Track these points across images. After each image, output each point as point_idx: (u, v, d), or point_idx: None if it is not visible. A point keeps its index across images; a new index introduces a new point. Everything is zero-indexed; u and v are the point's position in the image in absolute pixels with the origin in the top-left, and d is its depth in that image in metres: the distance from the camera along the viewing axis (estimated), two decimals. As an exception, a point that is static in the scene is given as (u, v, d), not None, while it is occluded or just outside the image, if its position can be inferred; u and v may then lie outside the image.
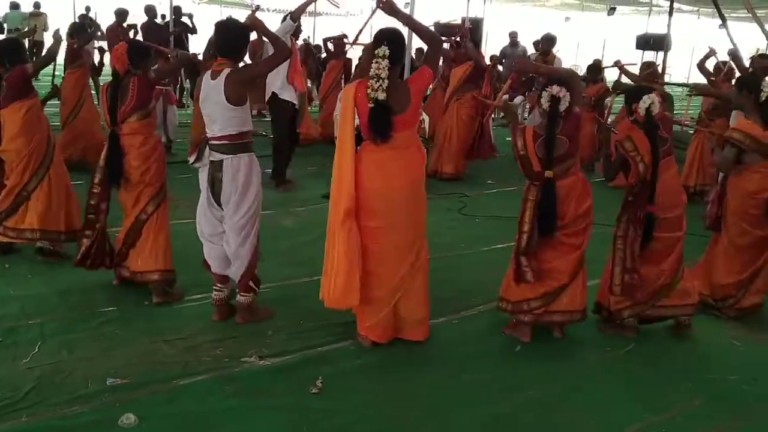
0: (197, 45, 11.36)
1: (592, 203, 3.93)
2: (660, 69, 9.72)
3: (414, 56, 10.13)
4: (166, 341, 3.82)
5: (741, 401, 3.58)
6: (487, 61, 10.05)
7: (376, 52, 3.55)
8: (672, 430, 3.27)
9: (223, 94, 3.73)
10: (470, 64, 8.33)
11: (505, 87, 5.63)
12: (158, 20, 11.43)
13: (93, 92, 7.79)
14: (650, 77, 8.11)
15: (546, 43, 9.48)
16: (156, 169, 4.31)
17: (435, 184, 7.80)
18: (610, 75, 10.19)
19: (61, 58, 5.98)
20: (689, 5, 20.32)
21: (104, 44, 9.35)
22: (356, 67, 7.82)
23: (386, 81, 3.52)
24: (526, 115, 9.61)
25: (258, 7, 9.07)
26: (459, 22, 12.82)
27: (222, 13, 19.35)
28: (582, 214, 3.88)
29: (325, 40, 10.91)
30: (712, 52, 7.31)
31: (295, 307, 4.31)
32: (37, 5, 14.27)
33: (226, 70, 3.76)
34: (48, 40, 13.42)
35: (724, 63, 7.46)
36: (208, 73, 3.88)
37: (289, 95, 7.12)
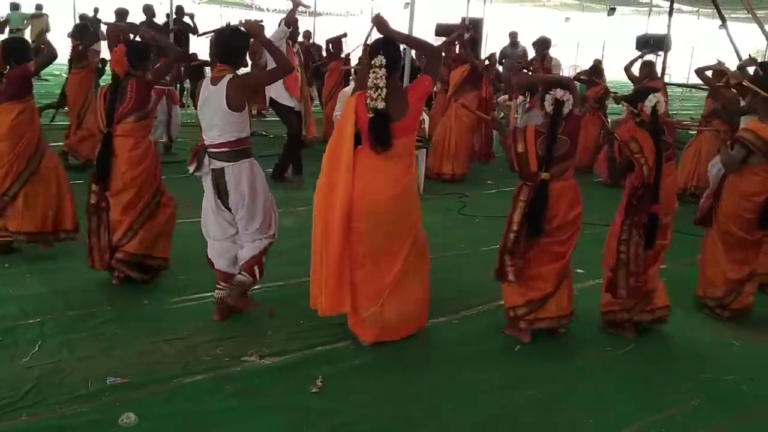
0: (198, 45, 11.36)
1: (581, 211, 3.93)
2: (660, 69, 9.75)
3: (414, 56, 10.15)
4: (165, 341, 3.82)
5: (740, 401, 3.59)
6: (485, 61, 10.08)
7: (372, 62, 3.57)
8: (671, 430, 3.28)
9: (224, 100, 3.73)
10: (467, 66, 8.35)
11: (513, 107, 5.65)
12: (156, 20, 11.43)
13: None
14: (648, 77, 8.14)
15: (541, 46, 9.49)
16: (144, 178, 4.31)
17: (435, 185, 7.82)
18: (611, 76, 10.18)
19: (64, 58, 6.00)
20: (689, 6, 20.33)
21: (104, 43, 9.36)
22: (354, 71, 7.84)
23: (384, 90, 3.53)
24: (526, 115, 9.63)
25: (262, 21, 9.12)
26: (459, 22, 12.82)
27: (222, 13, 19.39)
28: (570, 220, 3.89)
29: (328, 42, 10.93)
30: (718, 65, 7.22)
31: (295, 307, 4.31)
32: (38, 6, 14.29)
33: (228, 76, 3.76)
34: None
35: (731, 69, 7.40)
36: (208, 78, 3.88)
37: (287, 101, 7.20)
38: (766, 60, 6.97)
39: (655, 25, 16.47)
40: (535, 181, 3.77)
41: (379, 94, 3.52)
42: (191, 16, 11.65)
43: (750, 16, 10.34)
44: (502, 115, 12.54)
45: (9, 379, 3.34)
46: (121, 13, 10.91)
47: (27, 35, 13.59)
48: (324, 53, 11.54)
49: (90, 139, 7.27)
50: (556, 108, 3.74)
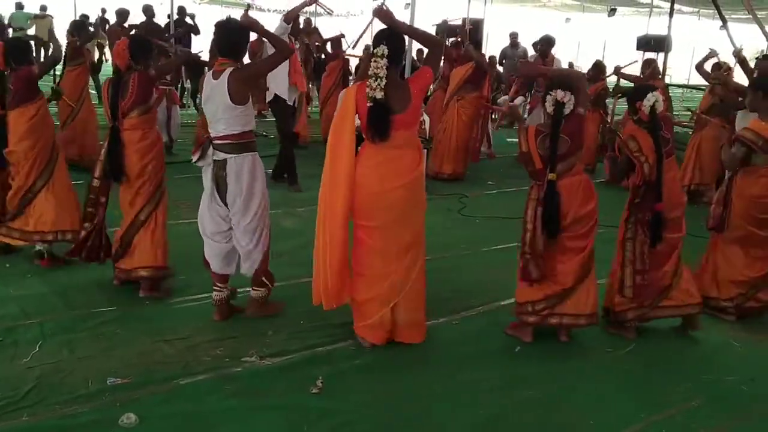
0: (200, 45, 11.37)
1: (596, 205, 3.93)
2: (660, 70, 9.73)
3: (415, 56, 10.17)
4: (166, 341, 3.82)
5: (740, 401, 3.59)
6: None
7: (374, 51, 3.56)
8: (671, 430, 3.28)
9: (226, 93, 3.74)
10: (472, 65, 8.33)
11: (512, 91, 5.66)
12: (156, 20, 11.47)
13: (92, 91, 7.80)
14: (651, 76, 8.14)
15: (544, 45, 9.49)
16: (154, 166, 4.34)
17: (435, 185, 7.80)
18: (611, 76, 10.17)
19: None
20: (690, 6, 20.33)
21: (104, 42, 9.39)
22: (356, 68, 7.84)
23: (384, 80, 3.52)
24: (525, 115, 9.63)
25: (249, 6, 9.09)
26: (460, 23, 12.82)
27: (223, 13, 19.37)
28: (585, 215, 3.87)
29: (324, 42, 10.93)
30: (712, 53, 7.28)
31: (296, 307, 4.31)
32: (43, 8, 14.40)
33: (229, 69, 3.77)
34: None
35: (724, 63, 7.43)
36: (210, 72, 3.90)
37: (289, 96, 7.18)
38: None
39: (656, 26, 16.47)
40: (543, 178, 3.78)
41: (379, 84, 3.51)
42: (192, 17, 11.67)
43: (750, 16, 10.34)
44: (496, 115, 12.55)
45: (9, 379, 3.34)
46: (122, 14, 10.95)
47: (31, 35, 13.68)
48: (323, 55, 11.54)
49: (74, 142, 7.27)
50: (557, 109, 3.75)
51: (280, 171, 7.62)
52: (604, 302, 4.27)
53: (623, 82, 8.22)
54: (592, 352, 4.03)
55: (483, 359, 3.86)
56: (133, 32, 10.93)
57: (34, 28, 13.77)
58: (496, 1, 18.47)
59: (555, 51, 9.80)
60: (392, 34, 3.64)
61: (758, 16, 10.10)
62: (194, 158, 4.00)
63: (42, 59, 12.62)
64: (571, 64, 9.99)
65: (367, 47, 14.82)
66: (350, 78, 10.07)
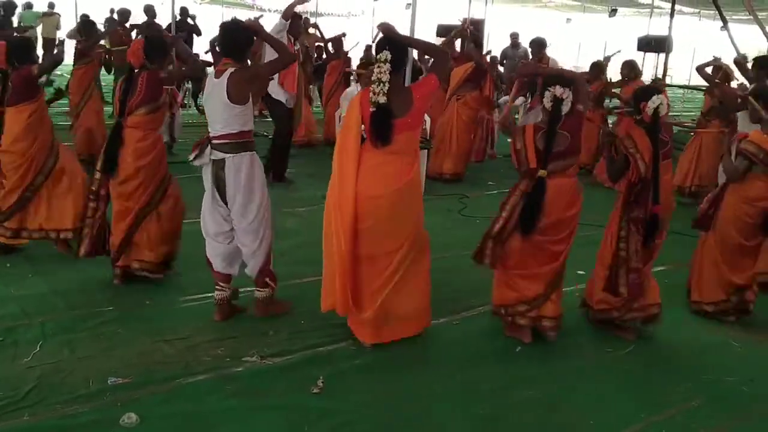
0: (201, 46, 11.38)
1: (579, 211, 3.92)
2: (661, 70, 9.76)
3: (416, 57, 10.15)
4: (166, 341, 3.83)
5: (739, 401, 3.59)
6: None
7: (378, 56, 3.59)
8: (671, 431, 3.28)
9: (225, 92, 3.76)
10: (471, 64, 8.34)
11: (513, 93, 5.65)
12: (157, 20, 11.49)
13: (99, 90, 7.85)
14: (630, 76, 8.19)
15: (536, 47, 9.49)
16: (148, 169, 4.35)
17: (435, 185, 7.81)
18: (612, 76, 10.17)
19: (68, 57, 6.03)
20: (690, 7, 20.33)
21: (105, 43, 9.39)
22: (357, 67, 7.85)
23: (387, 85, 3.54)
24: (517, 115, 9.63)
25: (262, 15, 9.15)
26: (460, 23, 12.82)
27: (223, 13, 19.37)
28: (567, 218, 3.87)
29: (326, 41, 10.93)
30: (716, 61, 7.24)
31: (296, 307, 4.32)
32: (51, 5, 14.49)
33: (230, 69, 3.79)
34: (67, 41, 13.64)
35: (726, 65, 7.42)
36: (212, 72, 3.91)
37: (281, 96, 7.18)
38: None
39: (657, 27, 16.49)
40: (534, 177, 3.77)
41: (382, 89, 3.54)
42: (193, 18, 11.71)
43: (751, 17, 10.34)
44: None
45: (10, 378, 3.34)
46: (123, 14, 10.96)
47: (38, 33, 13.76)
48: (324, 54, 11.55)
49: (83, 137, 7.30)
50: (555, 105, 3.75)
51: (270, 168, 7.62)
52: (584, 298, 4.29)
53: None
54: (592, 352, 4.03)
55: (483, 359, 3.87)
56: (134, 32, 10.97)
57: (41, 27, 13.84)
58: (497, 1, 18.48)
59: (555, 51, 9.81)
60: (395, 41, 3.68)
61: (759, 16, 10.10)
62: (191, 157, 3.99)
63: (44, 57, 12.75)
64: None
65: (368, 47, 14.89)
66: (351, 78, 10.06)
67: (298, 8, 7.05)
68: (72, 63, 7.87)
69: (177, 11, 11.15)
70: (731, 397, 3.62)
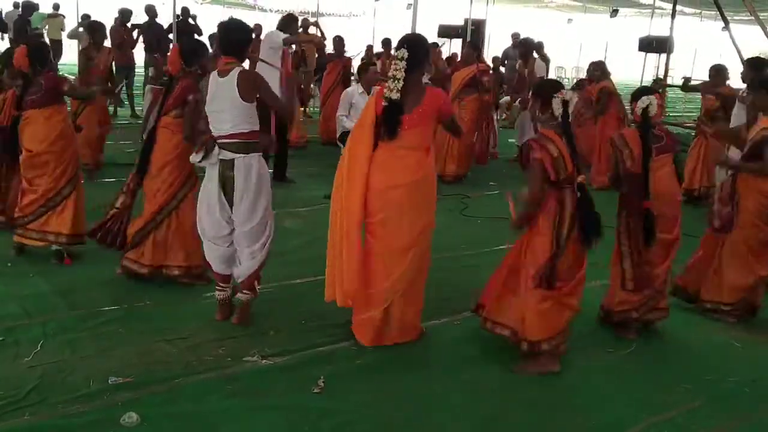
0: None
1: None
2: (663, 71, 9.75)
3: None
4: (167, 340, 3.83)
5: (741, 402, 3.59)
6: (490, 64, 10.11)
7: (395, 54, 3.67)
8: (672, 431, 3.28)
9: (236, 90, 3.73)
10: (472, 69, 8.36)
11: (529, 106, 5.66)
12: (158, 20, 11.51)
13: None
14: (600, 77, 8.24)
15: (522, 48, 9.49)
16: (171, 169, 4.45)
17: (437, 186, 7.80)
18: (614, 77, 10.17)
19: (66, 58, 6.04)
20: (692, 7, 20.33)
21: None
22: (358, 69, 7.82)
23: (401, 82, 3.59)
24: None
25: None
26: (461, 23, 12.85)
27: (224, 13, 19.40)
28: None
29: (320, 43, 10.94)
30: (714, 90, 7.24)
31: (297, 307, 4.32)
32: (56, 6, 14.58)
33: (237, 69, 3.77)
34: (65, 40, 13.74)
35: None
36: (215, 72, 3.86)
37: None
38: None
39: (658, 27, 16.50)
40: (572, 183, 3.60)
41: (396, 86, 3.59)
42: (193, 18, 11.73)
43: (753, 18, 10.34)
44: (504, 116, 12.57)
45: (11, 378, 3.34)
46: (125, 13, 10.97)
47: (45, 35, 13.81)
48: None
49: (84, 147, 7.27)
50: (565, 108, 3.64)
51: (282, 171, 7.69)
52: (603, 303, 4.27)
53: (627, 84, 8.21)
54: (592, 352, 4.02)
55: (483, 359, 3.87)
56: (135, 32, 10.98)
57: (47, 28, 13.91)
58: (498, 1, 18.49)
59: (556, 52, 9.82)
60: (414, 40, 3.77)
61: (760, 17, 10.10)
62: (197, 158, 3.95)
63: (53, 59, 12.86)
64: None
65: (369, 47, 14.89)
66: (352, 78, 10.06)
67: (299, 8, 7.11)
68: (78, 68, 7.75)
69: (178, 11, 11.18)
70: (732, 398, 3.62)
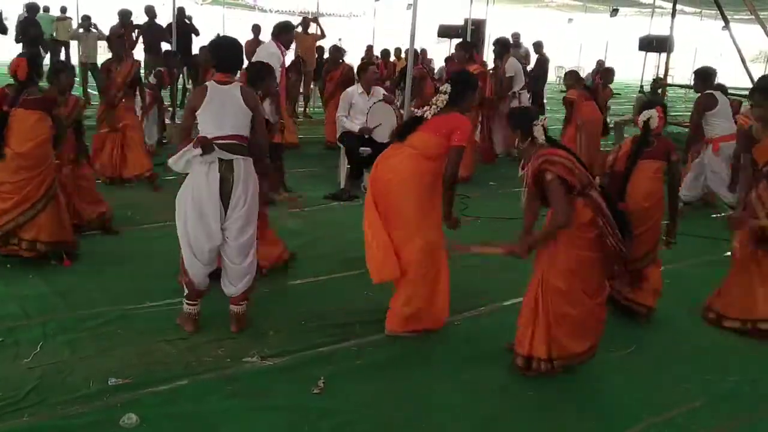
0: (200, 46, 11.40)
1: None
2: (663, 70, 9.74)
3: (419, 49, 10.25)
4: (167, 341, 3.83)
5: (741, 402, 3.59)
6: (490, 64, 10.14)
7: (441, 88, 4.06)
8: (672, 431, 3.28)
9: (241, 98, 3.77)
10: (475, 68, 8.35)
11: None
12: (158, 21, 11.55)
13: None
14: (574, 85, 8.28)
15: (497, 46, 9.50)
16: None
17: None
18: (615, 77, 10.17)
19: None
20: (692, 7, 20.32)
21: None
22: (357, 70, 7.83)
23: (438, 109, 3.95)
24: None
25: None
26: (462, 23, 12.85)
27: (224, 13, 19.38)
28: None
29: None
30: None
31: (297, 308, 4.32)
32: (63, 9, 14.66)
33: (238, 84, 3.86)
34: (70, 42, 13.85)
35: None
36: (213, 81, 3.82)
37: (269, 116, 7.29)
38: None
39: (658, 26, 16.49)
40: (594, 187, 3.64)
41: (433, 111, 3.97)
42: (189, 19, 11.81)
43: (753, 17, 10.33)
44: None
45: (11, 379, 3.35)
46: (125, 14, 10.99)
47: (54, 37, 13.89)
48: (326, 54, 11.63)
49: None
50: (546, 134, 3.62)
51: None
52: None
53: (627, 85, 8.20)
54: (593, 352, 4.02)
55: (483, 359, 3.86)
56: (136, 32, 10.99)
57: (56, 31, 13.99)
58: (498, 1, 18.48)
59: (556, 51, 9.82)
60: (459, 78, 4.10)
61: (761, 16, 10.09)
62: (196, 153, 3.70)
63: (64, 58, 13.28)
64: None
65: (369, 47, 14.90)
66: (355, 80, 10.08)
67: (299, 8, 7.14)
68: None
69: (178, 12, 11.19)
70: (733, 398, 3.61)
